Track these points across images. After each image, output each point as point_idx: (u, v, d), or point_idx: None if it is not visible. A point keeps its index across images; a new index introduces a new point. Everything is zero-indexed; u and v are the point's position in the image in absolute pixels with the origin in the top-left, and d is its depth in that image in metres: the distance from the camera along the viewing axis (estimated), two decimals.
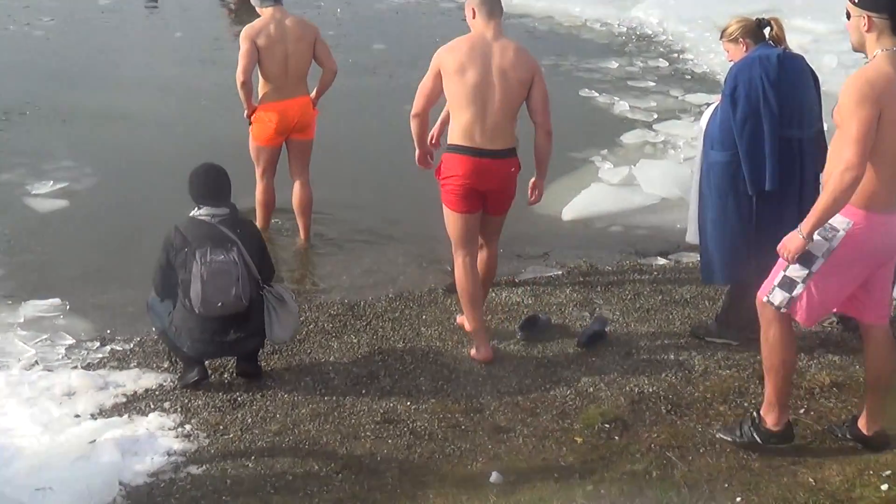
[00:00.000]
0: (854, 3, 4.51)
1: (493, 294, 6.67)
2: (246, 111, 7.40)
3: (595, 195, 8.60)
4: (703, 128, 5.85)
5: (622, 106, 11.26)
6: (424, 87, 5.73)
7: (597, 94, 11.73)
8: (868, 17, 4.45)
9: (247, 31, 7.26)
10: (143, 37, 14.26)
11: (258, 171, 7.59)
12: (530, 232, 7.66)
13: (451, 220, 5.85)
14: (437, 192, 5.89)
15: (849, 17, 4.56)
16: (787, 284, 4.67)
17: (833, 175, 4.38)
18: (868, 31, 4.46)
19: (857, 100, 4.35)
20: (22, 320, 6.33)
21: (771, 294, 4.71)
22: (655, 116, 10.85)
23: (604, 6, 16.90)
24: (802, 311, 4.66)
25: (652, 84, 12.26)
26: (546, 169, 5.93)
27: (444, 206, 5.86)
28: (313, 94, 7.54)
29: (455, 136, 5.69)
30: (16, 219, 7.96)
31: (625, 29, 15.59)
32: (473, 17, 5.76)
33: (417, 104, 5.77)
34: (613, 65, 13.23)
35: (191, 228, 5.33)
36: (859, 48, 4.57)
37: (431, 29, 14.71)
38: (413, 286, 6.91)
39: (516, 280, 7.01)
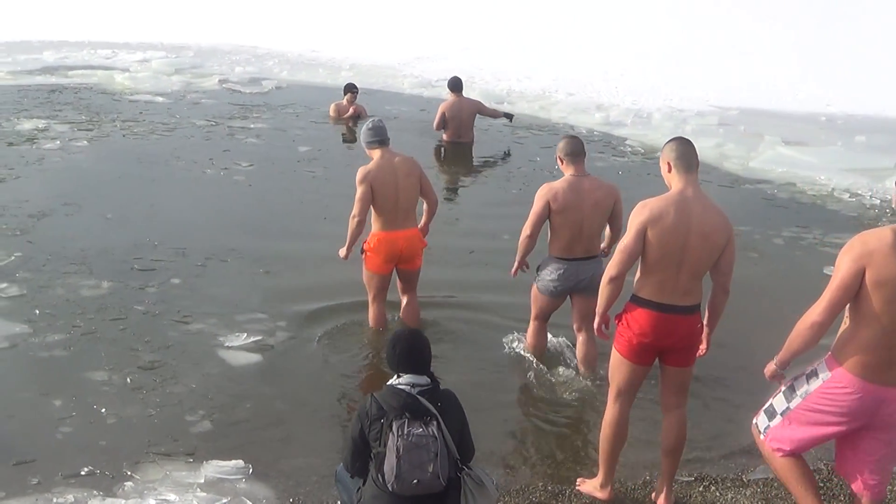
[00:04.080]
0: None
1: (718, 493, 6.50)
2: (345, 250, 8.81)
3: None
4: None
5: None
6: (628, 248, 5.98)
7: None
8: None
9: (362, 173, 8.63)
10: (348, 188, 14.79)
11: (370, 297, 9.06)
12: None
13: (621, 368, 6.23)
14: None
15: None
16: (770, 413, 5.54)
17: None
18: None
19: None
20: (202, 481, 6.57)
21: (759, 417, 5.64)
22: None
23: (854, 175, 16.65)
24: (772, 438, 5.48)
25: None
26: (717, 322, 6.32)
27: (615, 350, 6.25)
28: (421, 223, 9.04)
29: (645, 291, 6.04)
30: (206, 372, 8.31)
31: (878, 201, 15.23)
32: (669, 172, 6.11)
33: (620, 267, 6.02)
34: None
35: (388, 398, 5.38)
36: None
37: (659, 191, 14.80)
38: (629, 467, 6.80)
39: (744, 479, 6.82)
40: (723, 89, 25.77)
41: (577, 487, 6.56)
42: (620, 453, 6.46)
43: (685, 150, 6.07)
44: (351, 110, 19.63)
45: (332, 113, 20.00)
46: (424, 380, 5.47)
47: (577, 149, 8.11)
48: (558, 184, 8.05)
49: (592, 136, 19.38)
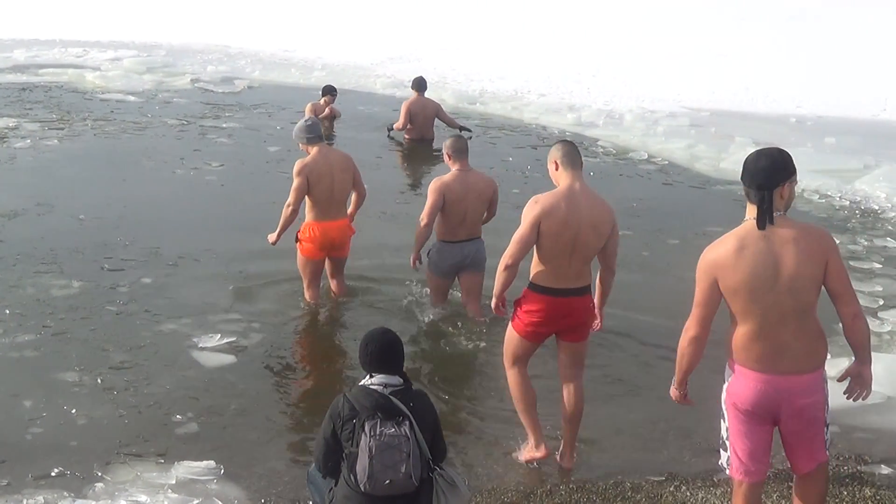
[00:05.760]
0: None
1: (689, 493, 6.54)
2: (276, 236, 9.54)
3: None
4: None
5: None
6: (524, 238, 6.52)
7: None
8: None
9: (300, 166, 9.34)
10: None
11: (305, 282, 9.73)
12: None
13: (516, 342, 6.82)
14: None
15: None
16: (723, 443, 5.49)
17: None
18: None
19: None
20: (174, 482, 6.55)
21: (721, 458, 5.53)
22: (881, 303, 10.52)
23: (824, 176, 16.72)
24: (735, 466, 5.38)
25: (878, 266, 11.94)
26: (607, 298, 6.99)
27: (511, 327, 6.84)
28: (350, 210, 9.75)
29: (541, 278, 6.60)
30: (179, 373, 8.27)
31: (847, 202, 15.33)
32: (556, 170, 6.65)
33: (515, 255, 6.55)
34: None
35: (360, 398, 5.36)
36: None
37: (630, 191, 14.89)
38: (599, 468, 6.83)
39: (714, 479, 6.84)
40: (694, 91, 25.89)
41: (519, 459, 7.00)
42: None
43: (570, 150, 6.71)
44: (326, 111, 19.68)
45: (307, 112, 19.94)
46: (397, 380, 5.47)
47: (462, 147, 9.22)
48: (448, 178, 9.14)
49: (564, 137, 19.38)
